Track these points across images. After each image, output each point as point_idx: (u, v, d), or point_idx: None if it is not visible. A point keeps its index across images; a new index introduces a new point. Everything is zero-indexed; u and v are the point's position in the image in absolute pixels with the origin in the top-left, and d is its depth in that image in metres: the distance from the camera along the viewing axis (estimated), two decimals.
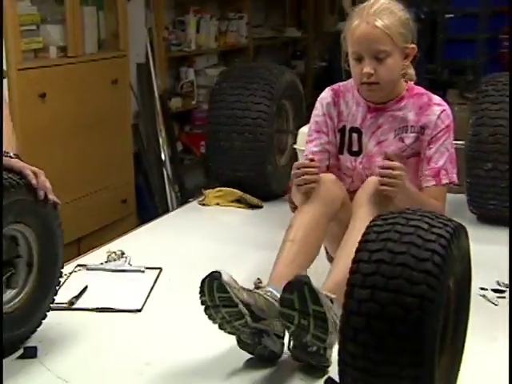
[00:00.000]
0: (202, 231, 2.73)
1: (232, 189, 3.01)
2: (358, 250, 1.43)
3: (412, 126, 2.15)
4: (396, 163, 1.96)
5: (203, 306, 1.71)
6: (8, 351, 1.78)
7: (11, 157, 1.84)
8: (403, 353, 1.35)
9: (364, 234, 1.46)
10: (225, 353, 1.83)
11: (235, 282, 1.69)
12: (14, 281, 1.78)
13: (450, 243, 1.41)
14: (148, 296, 2.14)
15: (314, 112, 2.27)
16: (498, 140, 2.58)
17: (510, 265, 2.04)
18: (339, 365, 1.42)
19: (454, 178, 2.15)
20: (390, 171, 1.94)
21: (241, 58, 5.95)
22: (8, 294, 1.76)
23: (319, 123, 2.24)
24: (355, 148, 2.21)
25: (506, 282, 2.21)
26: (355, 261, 1.42)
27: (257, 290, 1.77)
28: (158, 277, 2.28)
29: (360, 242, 1.45)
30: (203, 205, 3.02)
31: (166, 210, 4.80)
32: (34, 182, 1.77)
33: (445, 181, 2.12)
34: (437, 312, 1.37)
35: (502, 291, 2.19)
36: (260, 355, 1.76)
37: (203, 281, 1.69)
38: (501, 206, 2.64)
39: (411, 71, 2.21)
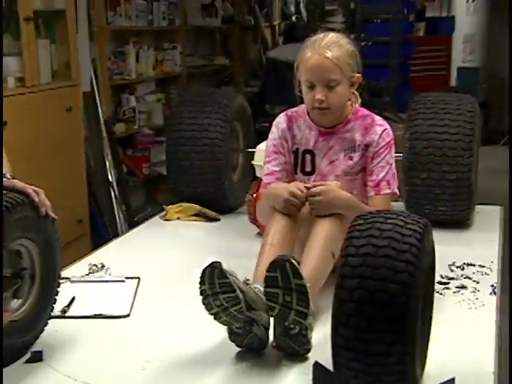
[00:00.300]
0: (168, 243, 2.80)
1: (191, 204, 3.08)
2: (345, 246, 1.55)
3: (359, 146, 2.31)
4: (315, 190, 2.16)
5: (202, 296, 1.78)
6: (16, 356, 1.81)
7: (8, 178, 1.89)
8: (390, 333, 1.47)
9: (349, 232, 1.58)
10: (216, 346, 1.91)
11: (232, 271, 1.78)
12: (21, 292, 1.82)
13: (422, 237, 1.55)
14: (133, 302, 2.20)
15: (271, 136, 2.40)
16: (432, 152, 2.74)
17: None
18: (333, 347, 1.53)
19: (395, 189, 2.33)
20: (311, 198, 2.15)
21: (176, 84, 6.05)
22: (14, 304, 1.80)
23: (277, 145, 2.37)
24: (308, 168, 2.37)
25: (449, 275, 2.38)
26: (343, 255, 1.54)
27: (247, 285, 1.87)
28: (138, 285, 2.34)
29: (346, 239, 1.57)
30: (165, 220, 3.08)
31: (115, 229, 4.85)
32: (36, 199, 1.83)
33: (385, 191, 2.29)
34: (416, 296, 1.50)
35: (446, 283, 2.34)
36: (249, 345, 1.83)
37: (204, 270, 1.76)
38: (435, 210, 2.79)
39: (355, 96, 2.36)
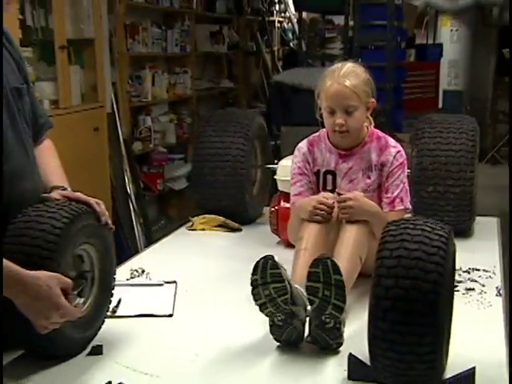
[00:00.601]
0: (196, 251, 2.88)
1: (215, 216, 3.18)
2: (379, 250, 1.66)
3: (375, 165, 2.43)
4: (346, 196, 2.28)
5: (252, 286, 1.87)
6: (80, 350, 1.90)
7: (73, 190, 2.01)
8: (422, 326, 1.57)
9: (382, 237, 1.69)
10: (255, 341, 2.00)
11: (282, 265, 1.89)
12: (83, 292, 1.92)
13: (448, 241, 1.66)
14: (174, 303, 2.30)
15: (295, 159, 2.53)
16: (437, 167, 2.85)
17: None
18: (370, 339, 1.63)
19: (408, 205, 2.46)
20: (343, 203, 2.25)
21: (186, 106, 6.19)
22: (78, 302, 1.89)
23: (301, 167, 2.50)
24: (329, 187, 2.48)
25: (457, 278, 2.48)
26: (379, 257, 1.64)
27: None
28: (176, 288, 2.44)
29: (380, 244, 1.68)
30: (191, 230, 3.17)
31: (134, 240, 4.96)
32: (98, 209, 1.93)
33: (399, 207, 2.41)
34: (444, 294, 1.61)
35: (455, 286, 2.42)
36: (288, 337, 1.91)
37: (258, 262, 1.86)
38: (440, 220, 2.90)
39: (369, 119, 2.48)
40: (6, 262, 1.64)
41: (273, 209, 2.90)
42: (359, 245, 2.17)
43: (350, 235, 2.20)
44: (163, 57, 5.81)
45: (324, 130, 2.48)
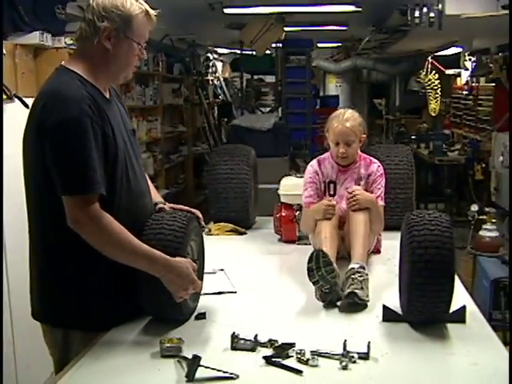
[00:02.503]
0: (218, 249, 2.90)
1: (225, 223, 3.38)
2: (409, 231, 1.95)
3: (363, 177, 2.74)
4: (355, 191, 2.57)
5: (308, 270, 2.13)
6: (189, 316, 2.06)
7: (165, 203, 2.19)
8: (443, 277, 1.87)
9: (408, 223, 1.98)
10: (306, 304, 2.22)
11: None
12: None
13: (451, 223, 1.99)
14: (232, 284, 2.47)
15: (307, 173, 2.79)
16: (389, 181, 3.02)
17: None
18: (408, 290, 1.90)
19: (383, 202, 2.76)
20: (353, 196, 2.54)
21: (157, 146, 6.32)
22: None
23: (311, 177, 2.76)
24: (331, 192, 2.77)
25: None
26: (410, 236, 1.93)
27: None
28: (226, 274, 2.63)
29: (409, 228, 1.96)
30: (208, 235, 3.33)
31: None
32: (199, 215, 2.14)
33: (381, 203, 2.71)
34: (454, 257, 1.92)
35: None
36: (331, 299, 2.16)
37: (312, 254, 2.15)
38: (391, 217, 3.00)
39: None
40: (154, 250, 1.83)
41: (277, 215, 3.15)
42: (366, 223, 2.49)
43: (360, 217, 2.50)
44: (142, 108, 5.95)
45: (329, 152, 2.77)
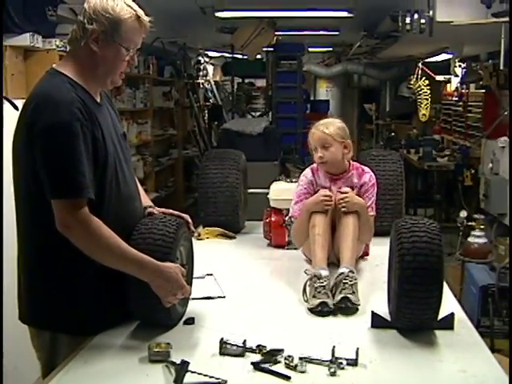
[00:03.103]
0: (207, 253, 2.93)
1: (215, 227, 3.37)
2: (399, 238, 1.96)
3: (356, 186, 2.74)
4: (347, 192, 2.58)
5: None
6: (178, 321, 2.05)
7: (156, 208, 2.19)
8: (432, 284, 1.88)
9: (397, 230, 1.99)
10: (298, 310, 2.23)
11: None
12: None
13: (440, 230, 2.00)
14: (221, 289, 2.47)
15: (300, 181, 2.78)
16: (380, 187, 3.04)
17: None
18: (396, 296, 1.91)
19: (374, 212, 2.76)
20: (343, 196, 2.55)
21: (147, 149, 6.31)
22: None
23: (306, 188, 2.74)
24: None
25: None
26: (399, 243, 1.93)
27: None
28: (215, 279, 2.63)
29: (397, 234, 1.97)
30: (198, 239, 3.33)
31: None
32: (189, 220, 2.14)
33: (371, 213, 2.72)
34: (443, 264, 1.93)
35: None
36: (321, 309, 2.16)
37: (306, 282, 2.22)
38: (381, 223, 3.02)
39: (350, 155, 2.74)
40: (144, 255, 1.83)
41: (266, 220, 3.16)
42: (355, 228, 2.50)
43: (349, 220, 2.51)
44: (132, 111, 5.94)
45: None
